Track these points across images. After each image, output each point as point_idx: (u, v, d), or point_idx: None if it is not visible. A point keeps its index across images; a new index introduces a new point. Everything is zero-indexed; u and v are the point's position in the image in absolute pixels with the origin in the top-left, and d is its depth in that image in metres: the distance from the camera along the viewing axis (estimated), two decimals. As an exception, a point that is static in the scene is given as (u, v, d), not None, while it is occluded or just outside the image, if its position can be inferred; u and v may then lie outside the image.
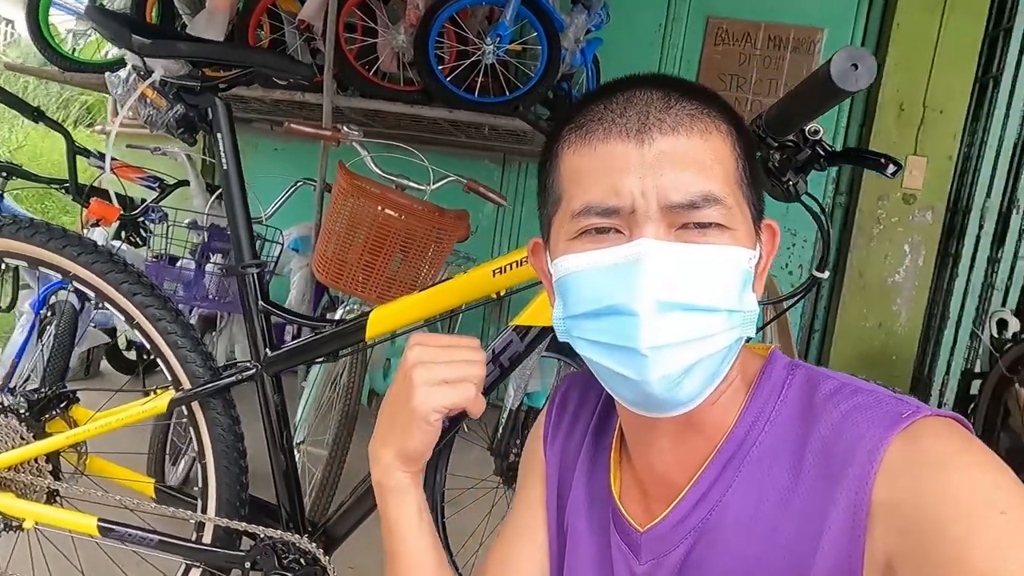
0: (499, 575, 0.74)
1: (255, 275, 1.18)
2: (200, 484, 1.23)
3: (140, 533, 1.19)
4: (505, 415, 1.79)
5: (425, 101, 2.27)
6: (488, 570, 0.76)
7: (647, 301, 0.52)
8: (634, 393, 0.57)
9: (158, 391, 1.26)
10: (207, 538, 1.23)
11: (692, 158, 0.54)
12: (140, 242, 2.65)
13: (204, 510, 1.22)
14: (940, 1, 2.82)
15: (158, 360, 1.20)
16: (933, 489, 0.47)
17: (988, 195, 2.81)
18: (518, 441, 1.81)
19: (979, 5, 2.80)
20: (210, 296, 2.20)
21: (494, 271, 1.10)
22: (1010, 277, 2.82)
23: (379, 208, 1.76)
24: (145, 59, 1.09)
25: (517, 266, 1.09)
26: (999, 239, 2.84)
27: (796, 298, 0.90)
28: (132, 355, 3.14)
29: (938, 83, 2.83)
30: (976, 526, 0.45)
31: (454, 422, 1.15)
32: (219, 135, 1.13)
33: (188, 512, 1.21)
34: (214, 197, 2.21)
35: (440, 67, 2.24)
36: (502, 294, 1.14)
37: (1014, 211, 2.80)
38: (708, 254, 0.54)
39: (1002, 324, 2.48)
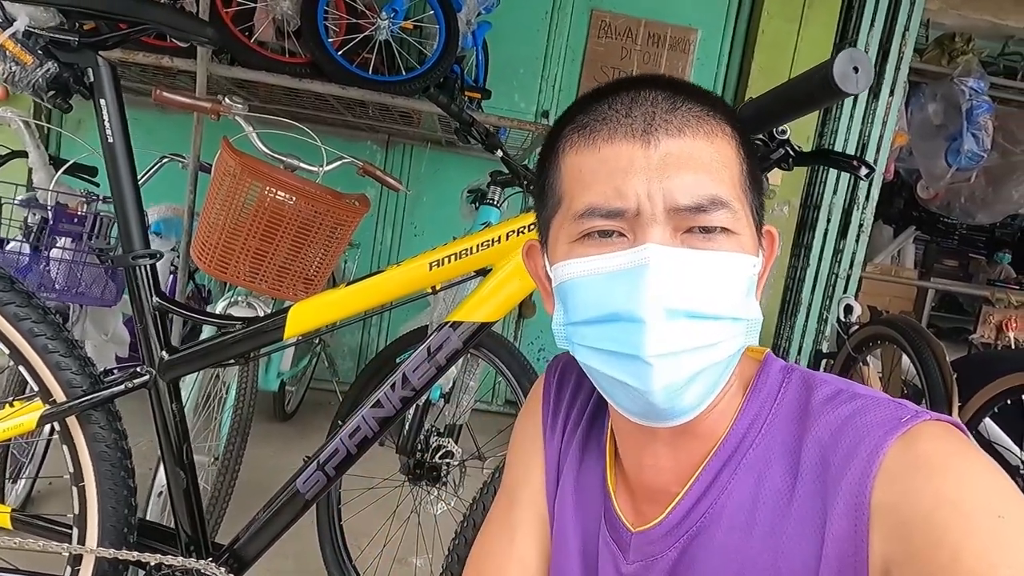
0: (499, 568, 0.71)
1: (147, 266, 1.02)
2: (76, 511, 1.05)
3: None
4: (411, 411, 1.71)
5: (313, 75, 2.10)
6: (483, 564, 0.72)
7: (654, 308, 0.51)
8: (635, 403, 0.55)
9: (15, 403, 1.06)
10: (86, 572, 1.06)
11: (699, 161, 0.53)
12: (-44, 221, 2.24)
13: (82, 540, 1.04)
14: (798, 13, 3.07)
15: (21, 368, 1.00)
16: (929, 493, 0.47)
17: (835, 192, 3.12)
18: (422, 437, 1.75)
19: (829, 20, 3.09)
20: (56, 286, 1.90)
21: (431, 264, 1.03)
22: (851, 266, 3.16)
23: (270, 190, 1.60)
24: (3, 2, 0.89)
25: (456, 259, 1.03)
26: (842, 232, 3.16)
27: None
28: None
29: (796, 88, 3.09)
30: (972, 530, 0.45)
31: (383, 426, 1.07)
32: (102, 101, 0.95)
33: (63, 545, 1.03)
34: (60, 172, 1.90)
35: (329, 40, 2.08)
36: (438, 288, 1.07)
37: (855, 207, 3.13)
38: (715, 261, 0.53)
39: (848, 309, 2.76)
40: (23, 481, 1.84)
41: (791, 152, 0.75)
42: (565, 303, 0.58)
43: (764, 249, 0.59)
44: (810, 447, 0.55)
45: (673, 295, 0.51)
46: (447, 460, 1.72)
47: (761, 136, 0.76)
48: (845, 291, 3.16)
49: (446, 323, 1.04)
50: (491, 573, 0.71)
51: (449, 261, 1.03)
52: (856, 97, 3.04)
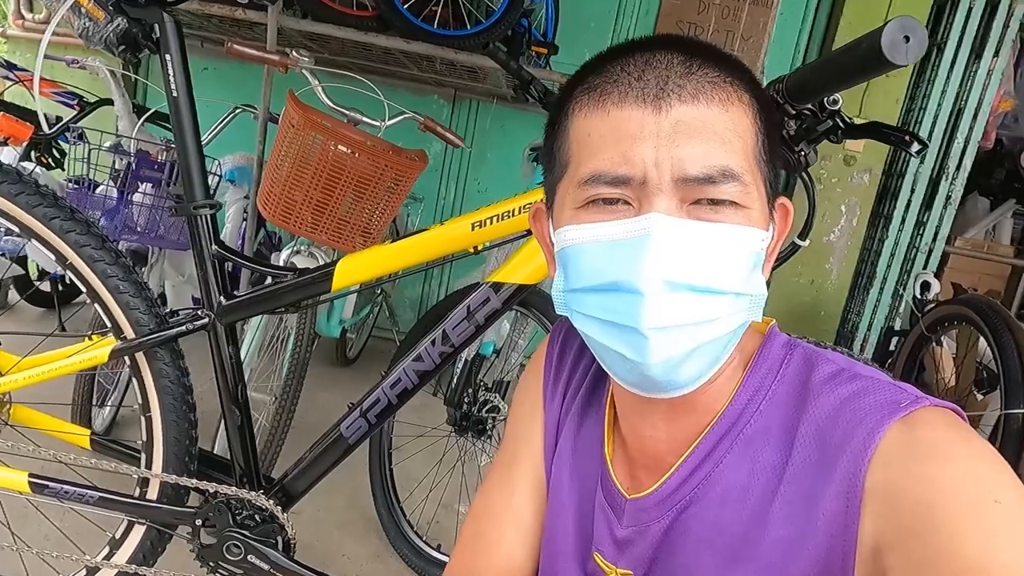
0: (497, 529, 0.73)
1: (208, 216, 1.08)
2: (144, 438, 1.14)
3: (78, 490, 1.11)
4: (460, 365, 1.76)
5: (380, 29, 2.11)
6: (482, 518, 0.74)
7: (653, 280, 0.50)
8: (631, 374, 0.55)
9: (94, 337, 1.16)
10: (152, 494, 1.16)
11: (711, 129, 0.51)
12: (52, 164, 2.41)
13: (149, 465, 1.14)
14: (896, -36, 2.84)
15: (95, 305, 1.09)
16: (928, 478, 0.47)
17: (922, 160, 2.92)
18: (470, 391, 1.80)
19: (931, -29, 2.85)
20: (138, 228, 2.03)
21: (473, 224, 1.05)
22: (934, 240, 2.98)
23: (332, 144, 1.65)
24: (78, -40, 0.94)
25: (498, 220, 1.04)
26: (927, 204, 2.97)
27: (779, 264, 0.90)
28: (46, 287, 2.90)
29: (887, 47, 2.88)
30: (970, 516, 0.44)
31: (422, 379, 1.11)
32: (167, 56, 1.00)
33: (132, 468, 1.13)
34: (142, 120, 2.01)
35: (396, -8, 2.08)
36: (480, 249, 1.08)
37: (943, 177, 2.93)
38: (720, 233, 0.51)
39: (925, 286, 2.61)
40: (108, 407, 2.01)
41: (840, 124, 0.72)
42: (565, 269, 0.57)
43: (776, 223, 0.58)
44: (807, 426, 0.55)
45: (674, 267, 0.50)
46: (493, 415, 1.77)
47: (811, 106, 0.73)
48: (925, 267, 2.99)
49: (487, 283, 1.06)
50: (489, 527, 0.73)
51: (491, 222, 1.04)
52: (955, 58, 2.82)
